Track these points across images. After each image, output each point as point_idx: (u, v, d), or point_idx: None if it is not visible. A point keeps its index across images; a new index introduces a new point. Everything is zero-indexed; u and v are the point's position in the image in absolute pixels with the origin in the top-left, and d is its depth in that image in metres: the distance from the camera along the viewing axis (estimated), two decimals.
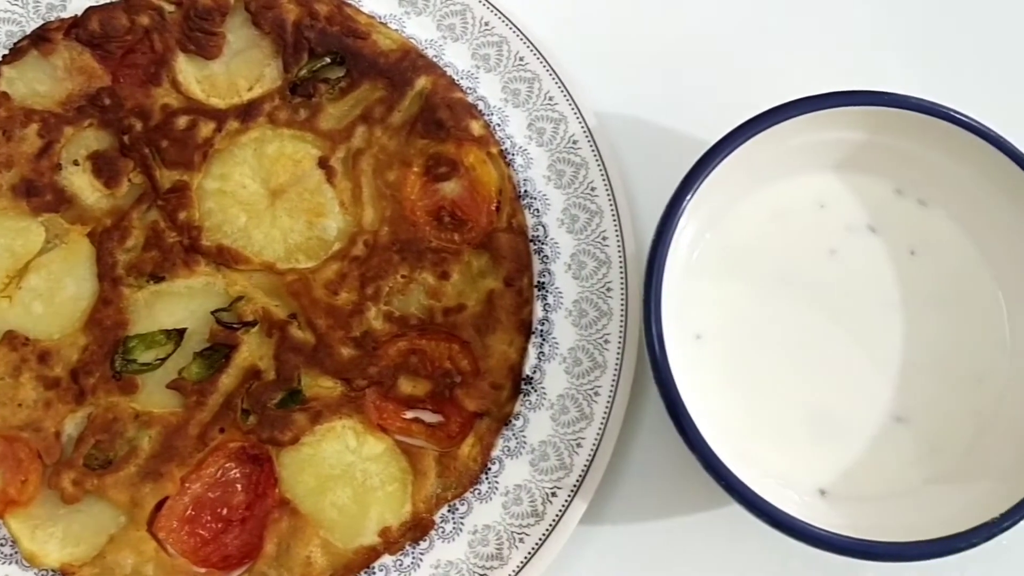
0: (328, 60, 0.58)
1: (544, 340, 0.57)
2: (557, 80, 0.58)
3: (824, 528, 0.49)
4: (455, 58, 0.59)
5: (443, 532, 0.54)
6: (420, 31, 0.59)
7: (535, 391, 0.56)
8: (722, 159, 0.52)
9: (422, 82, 0.58)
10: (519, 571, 0.53)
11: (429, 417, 0.56)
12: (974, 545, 0.49)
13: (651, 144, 0.60)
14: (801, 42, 0.63)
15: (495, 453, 0.55)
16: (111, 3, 0.59)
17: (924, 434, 0.55)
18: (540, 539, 0.54)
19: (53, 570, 0.53)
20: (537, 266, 0.57)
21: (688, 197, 0.51)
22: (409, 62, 0.58)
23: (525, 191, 0.58)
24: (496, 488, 0.55)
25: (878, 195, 0.57)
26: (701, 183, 0.52)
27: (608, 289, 0.57)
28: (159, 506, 0.54)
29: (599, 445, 0.55)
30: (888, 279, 0.56)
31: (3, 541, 0.53)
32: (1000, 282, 0.56)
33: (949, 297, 0.56)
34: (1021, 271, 0.55)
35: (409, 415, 0.56)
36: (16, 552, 0.53)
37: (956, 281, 0.56)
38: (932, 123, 0.53)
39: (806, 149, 0.55)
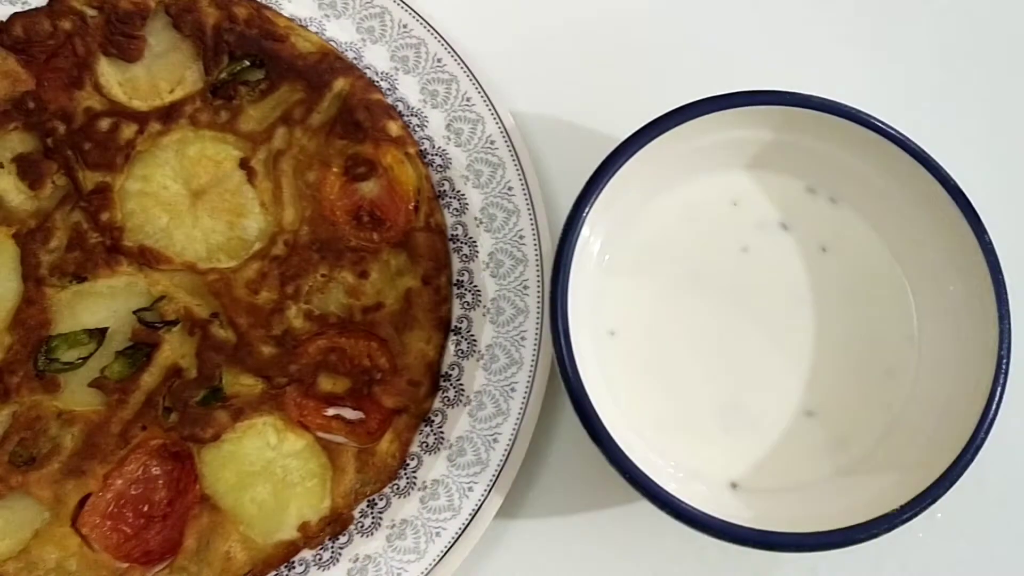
0: (247, 63, 0.59)
1: (462, 337, 0.57)
2: (475, 81, 0.59)
3: (728, 520, 0.50)
4: (374, 60, 0.59)
5: (362, 527, 0.55)
6: (340, 34, 0.60)
7: (453, 387, 0.57)
8: (627, 159, 0.52)
9: (340, 84, 0.58)
10: (435, 564, 0.54)
11: (349, 414, 0.57)
12: (875, 535, 0.50)
13: (569, 144, 0.61)
14: (719, 42, 0.64)
15: (413, 449, 0.56)
16: (35, 9, 0.59)
17: (834, 427, 0.56)
18: (456, 533, 0.55)
19: None
20: (456, 264, 0.58)
21: (593, 197, 0.52)
22: (327, 64, 0.58)
23: (443, 191, 0.59)
24: (414, 483, 0.56)
25: (790, 193, 0.58)
26: (606, 183, 0.52)
27: (525, 287, 0.57)
28: (82, 502, 0.54)
29: (515, 440, 0.56)
30: (799, 276, 0.57)
31: None
32: (908, 278, 0.57)
33: (859, 293, 0.57)
34: (927, 267, 0.56)
35: (330, 412, 0.57)
36: None
37: (866, 277, 0.57)
38: (835, 122, 0.54)
39: (717, 148, 0.56)
